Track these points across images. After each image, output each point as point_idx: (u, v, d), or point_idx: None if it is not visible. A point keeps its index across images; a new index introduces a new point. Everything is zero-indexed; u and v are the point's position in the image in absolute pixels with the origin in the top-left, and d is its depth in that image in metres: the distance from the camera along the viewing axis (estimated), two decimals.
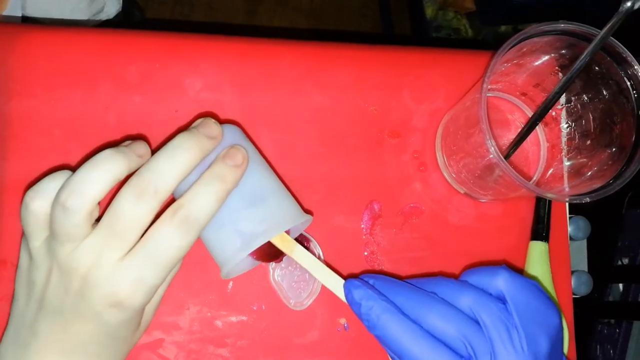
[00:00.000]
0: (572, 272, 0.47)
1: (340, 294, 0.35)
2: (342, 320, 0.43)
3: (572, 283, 0.47)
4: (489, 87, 0.45)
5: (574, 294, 0.48)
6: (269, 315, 0.42)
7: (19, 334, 0.32)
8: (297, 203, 0.36)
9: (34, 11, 0.72)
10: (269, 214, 0.33)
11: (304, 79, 0.46)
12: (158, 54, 0.44)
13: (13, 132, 0.42)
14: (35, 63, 0.43)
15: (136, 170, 0.30)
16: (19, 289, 0.33)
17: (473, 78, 0.47)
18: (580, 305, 0.47)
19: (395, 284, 0.34)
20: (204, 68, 0.45)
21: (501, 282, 0.32)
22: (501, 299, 0.32)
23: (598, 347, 1.00)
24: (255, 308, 0.42)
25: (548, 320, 0.31)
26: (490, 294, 0.32)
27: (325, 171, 0.45)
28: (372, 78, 0.47)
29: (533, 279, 0.44)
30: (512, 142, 0.41)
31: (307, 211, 0.37)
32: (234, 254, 0.32)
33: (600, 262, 1.02)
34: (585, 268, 0.51)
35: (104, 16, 0.84)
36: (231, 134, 0.34)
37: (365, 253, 0.44)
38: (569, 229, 0.47)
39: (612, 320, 0.99)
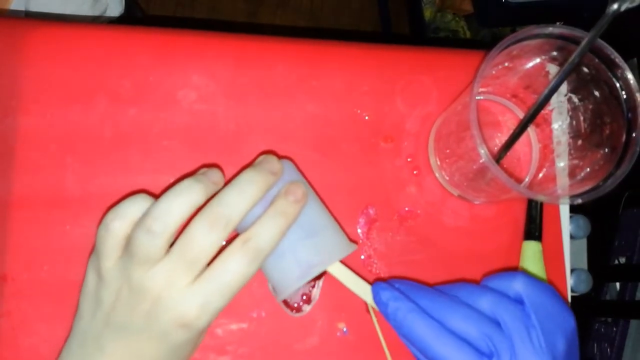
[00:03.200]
0: (572, 270, 0.48)
1: (368, 297, 0.38)
2: (342, 325, 0.44)
3: (572, 281, 0.48)
4: (480, 90, 0.46)
5: (573, 292, 0.48)
6: (269, 322, 0.43)
7: (85, 348, 0.34)
8: (344, 234, 0.39)
9: (36, 11, 0.72)
10: (323, 246, 0.36)
11: (296, 87, 0.46)
12: (151, 66, 0.45)
13: (9, 149, 0.42)
14: (34, 61, 0.43)
15: (210, 199, 0.33)
16: (84, 306, 0.35)
17: (465, 79, 0.48)
18: (578, 303, 0.48)
19: (420, 288, 0.36)
20: (196, 80, 0.45)
21: (519, 285, 0.34)
22: (519, 301, 0.34)
23: (595, 345, 1.01)
24: (255, 315, 0.43)
25: (564, 322, 0.34)
26: (509, 296, 0.34)
27: (320, 178, 0.45)
28: (364, 84, 0.47)
29: None
30: (503, 144, 0.41)
31: (352, 240, 0.41)
32: (293, 282, 0.36)
33: (597, 261, 1.03)
34: (585, 266, 0.52)
35: (106, 18, 0.83)
36: (289, 170, 0.38)
37: (362, 257, 0.45)
38: (570, 227, 0.48)
39: (609, 319, 1.00)
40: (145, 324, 0.32)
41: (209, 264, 0.33)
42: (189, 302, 0.32)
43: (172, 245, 0.33)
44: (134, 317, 0.33)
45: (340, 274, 0.38)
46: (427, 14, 1.36)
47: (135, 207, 0.33)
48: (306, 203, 0.36)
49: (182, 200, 0.32)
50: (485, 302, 0.33)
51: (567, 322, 0.34)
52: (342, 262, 0.38)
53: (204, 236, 0.32)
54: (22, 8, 0.70)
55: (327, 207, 0.39)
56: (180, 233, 0.33)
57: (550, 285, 0.35)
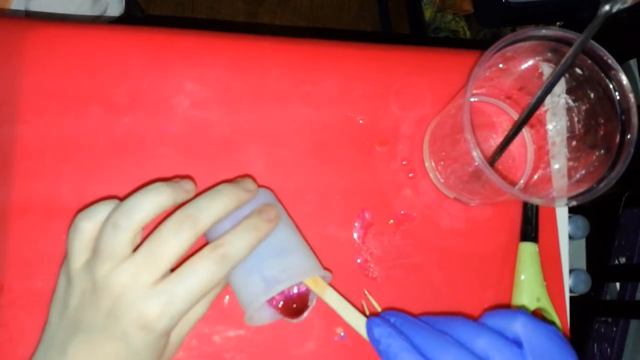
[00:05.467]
0: (571, 270, 0.48)
1: (362, 330, 0.38)
2: (339, 330, 0.44)
3: (571, 281, 0.48)
4: (474, 91, 0.46)
5: (572, 292, 0.48)
6: (266, 329, 0.43)
7: (49, 353, 0.34)
8: (317, 260, 0.39)
9: (36, 11, 0.73)
10: (291, 265, 0.37)
11: (290, 92, 0.46)
12: (144, 72, 0.45)
13: (3, 158, 0.42)
14: (29, 66, 0.43)
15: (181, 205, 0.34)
16: (53, 311, 0.35)
17: (460, 81, 0.48)
18: (578, 304, 0.48)
19: (414, 324, 0.36)
20: (190, 87, 0.45)
21: (518, 326, 0.33)
22: (518, 343, 0.32)
23: (595, 345, 1.01)
24: None
25: None
26: (507, 338, 0.33)
27: (315, 182, 0.45)
28: (358, 88, 0.47)
29: (524, 280, 0.44)
30: (498, 146, 0.41)
31: (327, 269, 0.40)
32: (257, 296, 0.36)
33: (597, 261, 1.03)
34: (584, 267, 0.52)
35: (106, 18, 0.84)
36: (266, 195, 0.39)
37: (359, 260, 0.45)
38: (569, 227, 0.48)
39: (609, 319, 1.00)
40: (106, 322, 0.32)
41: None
42: (151, 302, 0.32)
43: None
44: (96, 315, 0.32)
45: (336, 304, 0.38)
46: (427, 14, 1.36)
47: (104, 209, 0.34)
48: (279, 226, 0.37)
49: (150, 199, 0.33)
50: (480, 344, 0.32)
51: None
52: (334, 270, 0.38)
53: (172, 236, 0.32)
54: (22, 8, 0.70)
55: (322, 211, 0.39)
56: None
57: (552, 327, 0.33)
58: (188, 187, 0.35)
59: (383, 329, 0.35)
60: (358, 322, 0.38)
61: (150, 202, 0.33)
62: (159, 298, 0.32)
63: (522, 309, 0.33)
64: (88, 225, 0.33)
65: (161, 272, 0.32)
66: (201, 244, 0.35)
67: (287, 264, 0.37)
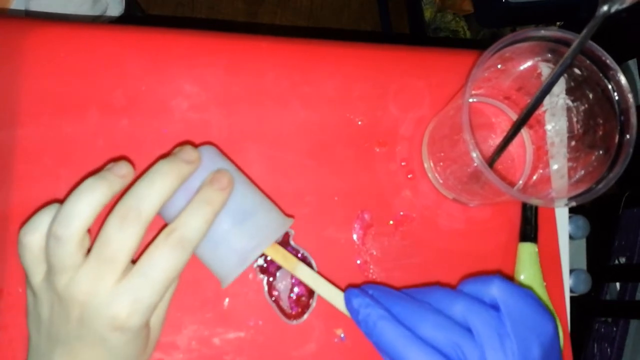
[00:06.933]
0: (571, 270, 0.48)
1: (340, 305, 0.37)
2: (339, 331, 0.44)
3: (571, 281, 0.48)
4: (472, 92, 0.46)
5: (573, 292, 0.48)
6: (266, 330, 0.43)
7: None
8: (279, 211, 0.38)
9: (37, 11, 0.73)
10: (255, 229, 0.36)
11: (288, 93, 0.46)
12: (143, 74, 0.45)
13: (2, 161, 0.42)
14: (27, 68, 0.43)
15: (122, 195, 0.32)
16: (30, 325, 0.35)
17: (458, 81, 0.48)
18: (578, 304, 0.48)
19: (392, 294, 0.36)
20: (188, 88, 0.45)
21: (495, 290, 0.33)
22: (495, 307, 0.33)
23: (595, 345, 1.01)
24: (252, 324, 0.43)
25: (541, 328, 0.32)
26: (484, 302, 0.33)
27: (314, 184, 0.45)
28: (357, 89, 0.47)
29: (524, 280, 0.44)
30: (497, 146, 0.41)
31: (289, 215, 0.40)
32: (232, 270, 0.35)
33: (597, 261, 1.03)
34: (585, 266, 0.52)
35: (106, 18, 0.84)
36: (210, 155, 0.37)
37: (358, 262, 0.45)
38: (569, 227, 0.48)
39: (610, 319, 1.00)
40: (80, 331, 0.32)
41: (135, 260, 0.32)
42: (118, 303, 0.31)
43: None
44: (69, 328, 0.32)
45: (312, 281, 0.38)
46: (427, 14, 1.36)
47: (44, 217, 0.32)
48: (234, 188, 0.35)
49: (84, 201, 0.31)
50: (458, 309, 0.33)
51: (545, 328, 0.32)
52: (333, 270, 0.38)
53: (118, 232, 0.31)
54: (22, 7, 0.70)
55: (321, 213, 0.39)
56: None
57: (528, 290, 0.33)
58: (123, 172, 0.33)
59: (362, 299, 0.35)
60: (334, 295, 0.37)
61: (86, 205, 0.31)
62: (125, 297, 0.31)
63: (497, 274, 0.34)
64: (32, 238, 0.32)
65: (119, 271, 0.31)
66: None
67: (252, 230, 0.35)
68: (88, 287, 0.31)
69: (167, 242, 0.32)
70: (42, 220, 0.32)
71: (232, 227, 0.35)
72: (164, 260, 0.31)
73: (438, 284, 0.41)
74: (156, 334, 0.37)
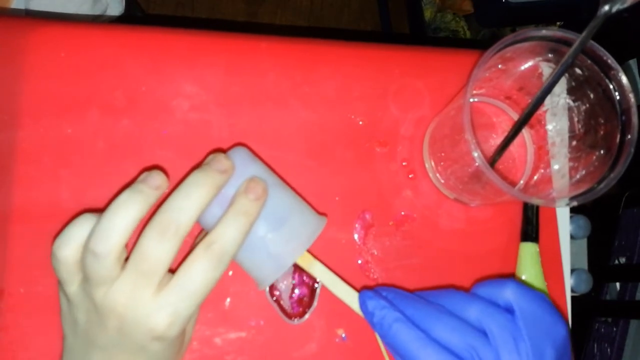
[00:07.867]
0: (572, 270, 0.48)
1: (355, 306, 0.37)
2: (340, 331, 0.44)
3: (572, 281, 0.48)
4: (473, 92, 0.46)
5: (574, 292, 0.48)
6: (268, 331, 0.43)
7: None
8: (312, 211, 0.39)
9: (37, 10, 0.73)
10: (292, 233, 0.36)
11: (289, 94, 0.46)
12: (143, 75, 0.45)
13: (2, 163, 0.42)
14: (27, 67, 0.43)
15: (159, 206, 0.32)
16: (65, 326, 0.35)
17: (459, 81, 0.48)
18: (578, 303, 0.48)
19: (406, 297, 0.36)
20: (188, 89, 0.45)
21: (509, 293, 0.33)
22: (509, 310, 0.33)
23: (595, 345, 1.01)
24: (253, 324, 0.43)
25: (555, 332, 0.33)
26: (499, 305, 0.34)
27: (315, 184, 0.45)
28: (357, 89, 0.47)
29: (525, 280, 0.44)
30: (498, 146, 0.41)
31: (322, 213, 0.40)
32: (270, 274, 0.36)
33: (597, 261, 1.03)
34: (585, 266, 0.52)
35: (106, 18, 0.84)
36: (242, 159, 0.37)
37: (359, 262, 0.45)
38: (570, 227, 0.48)
39: (610, 319, 1.00)
40: (119, 340, 0.32)
41: (174, 270, 0.33)
42: (157, 315, 0.31)
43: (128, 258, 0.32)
44: (107, 334, 0.32)
45: (329, 282, 0.38)
46: (427, 14, 1.36)
47: (78, 229, 0.32)
48: (268, 192, 0.35)
49: (121, 216, 0.31)
50: (472, 312, 0.33)
51: (558, 331, 0.33)
52: (334, 270, 0.38)
53: (156, 246, 0.31)
54: (22, 7, 0.70)
55: (322, 213, 0.39)
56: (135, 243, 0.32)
57: (541, 293, 0.34)
58: (158, 183, 0.32)
59: (376, 302, 0.36)
60: (349, 297, 0.38)
61: (122, 219, 0.31)
62: (164, 310, 0.31)
63: (511, 278, 0.34)
64: (66, 252, 0.32)
65: (157, 283, 0.32)
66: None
67: (288, 234, 0.36)
68: (126, 300, 0.31)
69: (206, 254, 0.32)
70: (76, 233, 0.32)
71: (267, 232, 0.35)
72: (203, 273, 0.32)
73: (459, 284, 0.41)
74: (189, 335, 0.39)
